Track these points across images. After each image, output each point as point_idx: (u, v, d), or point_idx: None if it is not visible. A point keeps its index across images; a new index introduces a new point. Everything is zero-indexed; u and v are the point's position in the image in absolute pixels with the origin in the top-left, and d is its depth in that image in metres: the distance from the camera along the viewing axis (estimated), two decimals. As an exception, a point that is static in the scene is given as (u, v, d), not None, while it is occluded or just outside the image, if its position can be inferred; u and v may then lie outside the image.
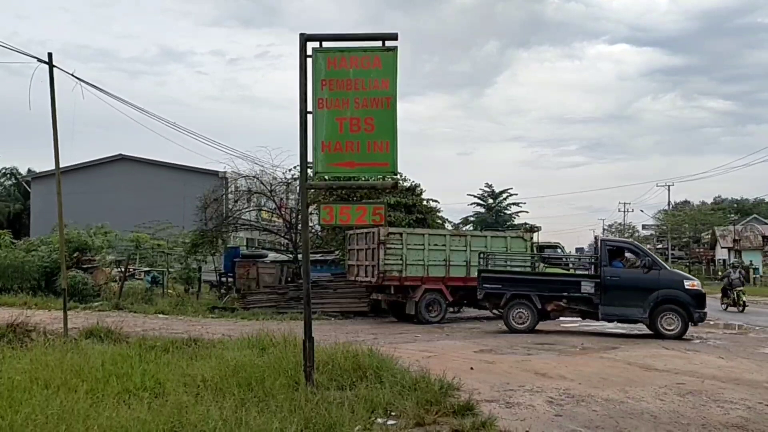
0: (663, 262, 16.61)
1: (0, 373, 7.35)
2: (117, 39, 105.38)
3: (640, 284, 15.00)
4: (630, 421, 6.80)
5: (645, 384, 8.86)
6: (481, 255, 17.38)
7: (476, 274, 17.48)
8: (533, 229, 20.96)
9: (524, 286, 15.93)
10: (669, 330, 14.71)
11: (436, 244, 18.36)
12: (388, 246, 17.75)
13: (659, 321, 14.82)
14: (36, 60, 12.21)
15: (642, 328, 15.63)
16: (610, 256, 15.51)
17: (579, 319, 16.47)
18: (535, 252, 19.89)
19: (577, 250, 61.99)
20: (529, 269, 18.05)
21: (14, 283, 21.80)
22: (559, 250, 20.33)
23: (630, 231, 75.07)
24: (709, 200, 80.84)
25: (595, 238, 18.46)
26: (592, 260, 16.34)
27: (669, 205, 70.08)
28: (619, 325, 16.32)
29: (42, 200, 36.47)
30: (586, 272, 16.69)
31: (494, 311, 16.73)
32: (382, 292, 18.65)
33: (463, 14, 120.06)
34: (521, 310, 15.75)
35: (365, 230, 18.40)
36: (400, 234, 18.16)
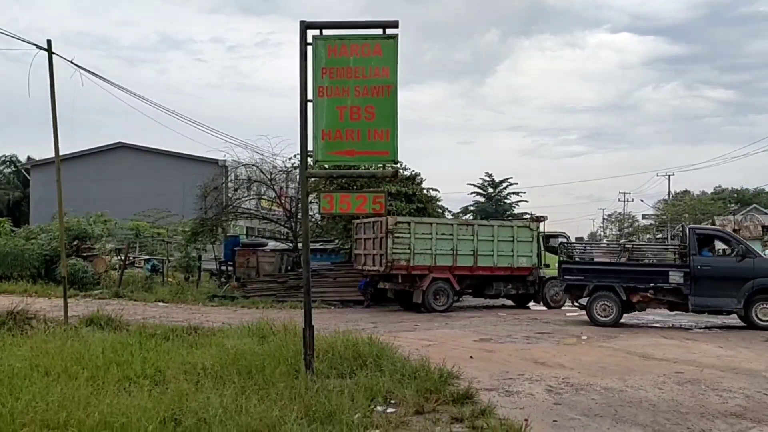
0: (757, 251, 16.13)
1: (0, 360, 7.36)
2: (116, 26, 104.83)
3: (734, 273, 14.43)
4: (629, 410, 6.82)
5: (644, 373, 8.89)
6: (561, 245, 17.38)
7: (484, 263, 17.99)
8: (540, 218, 20.78)
9: (608, 276, 15.24)
10: (765, 321, 14.31)
11: (443, 234, 18.42)
12: (396, 235, 17.78)
13: (754, 312, 14.43)
14: (35, 47, 12.16)
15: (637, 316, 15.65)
16: (699, 245, 14.95)
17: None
18: (542, 241, 20.02)
19: (577, 239, 61.97)
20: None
21: (14, 270, 21.83)
22: (564, 239, 20.29)
23: (630, 221, 75.07)
24: (710, 190, 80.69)
25: (682, 226, 18.16)
26: (680, 249, 15.39)
27: (669, 194, 70.06)
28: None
29: (42, 188, 36.39)
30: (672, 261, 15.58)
31: (575, 303, 16.38)
32: (389, 281, 18.68)
33: (464, 2, 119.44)
34: (605, 302, 15.08)
35: (372, 219, 18.39)
36: (408, 223, 18.21)
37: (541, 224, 20.48)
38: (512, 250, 18.92)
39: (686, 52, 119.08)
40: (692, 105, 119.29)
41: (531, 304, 20.79)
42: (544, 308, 19.86)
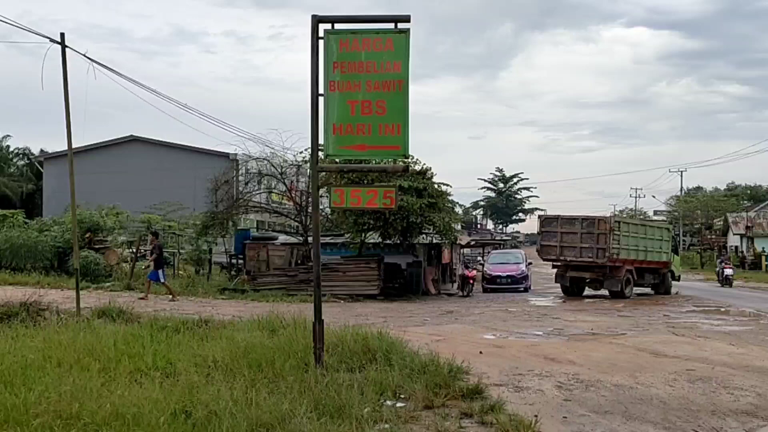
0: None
1: (14, 351, 7.43)
2: (130, 18, 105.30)
3: None
4: (639, 407, 6.79)
5: (655, 370, 8.83)
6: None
7: (649, 257, 22.33)
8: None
9: None
10: None
11: (635, 233, 22.20)
12: (615, 233, 20.85)
13: None
14: (49, 40, 12.22)
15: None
16: None
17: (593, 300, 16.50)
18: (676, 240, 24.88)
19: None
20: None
21: (27, 262, 21.98)
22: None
23: (642, 216, 74.62)
24: (723, 186, 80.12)
25: None
26: None
27: (681, 190, 69.60)
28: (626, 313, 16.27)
29: (54, 180, 36.65)
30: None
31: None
32: (587, 271, 21.85)
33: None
34: None
35: (580, 216, 22.02)
36: (619, 222, 22.23)
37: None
38: (660, 247, 23.09)
39: (702, 46, 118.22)
40: (707, 100, 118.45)
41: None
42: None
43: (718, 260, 35.58)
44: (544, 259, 22.90)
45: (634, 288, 22.88)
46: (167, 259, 24.78)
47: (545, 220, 22.58)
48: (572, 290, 23.00)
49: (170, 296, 17.91)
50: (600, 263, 21.01)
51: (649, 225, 24.88)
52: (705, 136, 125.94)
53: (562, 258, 21.91)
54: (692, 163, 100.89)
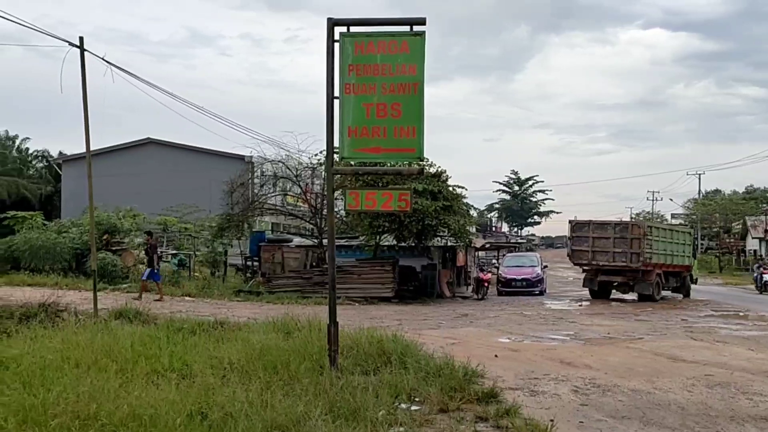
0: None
1: (33, 352, 7.51)
2: (146, 22, 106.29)
3: None
4: (657, 412, 6.72)
5: (672, 375, 8.74)
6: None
7: (674, 261, 22.83)
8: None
9: None
10: None
11: (663, 237, 22.71)
12: (648, 238, 21.26)
13: None
14: (68, 44, 12.35)
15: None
16: None
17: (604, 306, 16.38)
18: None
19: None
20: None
21: (46, 263, 22.23)
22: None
23: (659, 220, 73.93)
24: (741, 189, 79.12)
25: None
26: None
27: (699, 194, 68.86)
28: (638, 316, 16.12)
29: (73, 183, 37.03)
30: None
31: None
32: (618, 275, 22.05)
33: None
34: None
35: (612, 221, 23.14)
36: (651, 227, 22.59)
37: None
38: (683, 251, 23.74)
39: (720, 48, 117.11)
40: (724, 102, 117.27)
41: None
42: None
43: (755, 265, 35.22)
44: (575, 264, 23.10)
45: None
46: (183, 260, 24.97)
47: (576, 225, 22.69)
48: (600, 294, 23.21)
49: (158, 296, 17.71)
50: (634, 267, 21.34)
51: (675, 230, 25.44)
52: (723, 138, 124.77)
53: (594, 262, 22.08)
54: (710, 165, 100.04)
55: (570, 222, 23.08)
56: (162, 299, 17.33)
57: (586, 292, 24.16)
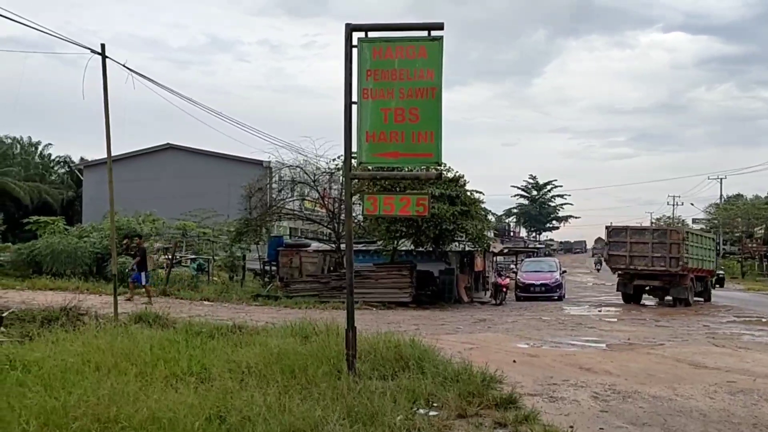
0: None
1: (54, 355, 7.60)
2: (166, 28, 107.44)
3: None
4: (678, 419, 6.64)
5: (694, 381, 8.63)
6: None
7: (703, 266, 23.21)
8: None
9: None
10: None
11: (696, 243, 23.28)
12: (686, 243, 21.94)
13: None
14: (90, 51, 12.50)
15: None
16: None
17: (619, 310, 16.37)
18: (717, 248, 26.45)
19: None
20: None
21: (67, 268, 22.51)
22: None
23: (680, 225, 73.11)
24: (764, 194, 77.95)
25: None
26: None
27: (721, 198, 68.01)
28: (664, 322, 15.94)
29: (94, 188, 37.50)
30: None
31: None
32: (654, 279, 22.48)
33: (510, 1, 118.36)
34: None
35: (651, 226, 25.16)
36: (687, 233, 23.25)
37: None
38: (709, 256, 24.37)
39: (741, 51, 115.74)
40: (746, 106, 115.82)
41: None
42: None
43: None
44: (613, 269, 23.34)
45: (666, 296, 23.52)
46: (202, 265, 25.13)
47: (613, 231, 23.06)
48: (633, 298, 23.61)
49: (147, 299, 17.51)
50: (673, 272, 21.81)
51: (703, 235, 26.22)
52: (745, 142, 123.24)
53: (631, 267, 22.38)
54: (732, 170, 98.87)
55: (607, 227, 23.48)
56: (132, 299, 17.30)
57: (605, 297, 24.00)
